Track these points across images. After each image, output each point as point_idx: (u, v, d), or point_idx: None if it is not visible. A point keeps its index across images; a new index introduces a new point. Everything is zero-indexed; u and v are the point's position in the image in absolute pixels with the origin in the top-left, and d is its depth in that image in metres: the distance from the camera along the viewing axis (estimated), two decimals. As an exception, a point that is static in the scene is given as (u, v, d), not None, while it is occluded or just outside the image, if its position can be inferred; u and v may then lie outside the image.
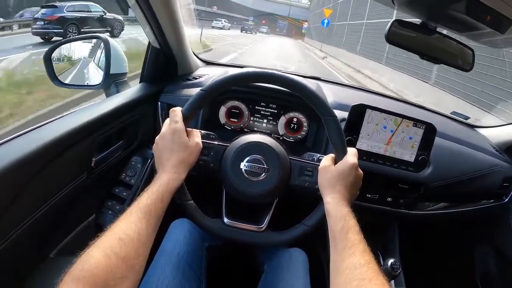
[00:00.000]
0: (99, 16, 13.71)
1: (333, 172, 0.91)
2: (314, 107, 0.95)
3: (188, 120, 0.92)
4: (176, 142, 0.87)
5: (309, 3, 64.41)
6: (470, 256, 1.77)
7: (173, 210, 0.95)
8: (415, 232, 1.65)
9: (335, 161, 0.94)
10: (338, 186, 0.89)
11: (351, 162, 0.91)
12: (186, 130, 0.89)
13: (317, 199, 0.98)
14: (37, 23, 11.39)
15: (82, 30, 12.12)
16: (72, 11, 12.26)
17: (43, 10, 11.76)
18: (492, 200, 1.51)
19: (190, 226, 1.10)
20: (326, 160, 0.95)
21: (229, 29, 44.66)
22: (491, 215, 1.56)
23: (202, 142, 0.94)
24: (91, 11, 13.36)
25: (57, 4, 12.22)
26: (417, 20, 0.98)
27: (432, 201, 1.43)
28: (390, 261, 1.13)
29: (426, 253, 1.78)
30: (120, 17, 14.52)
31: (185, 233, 1.09)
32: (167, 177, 0.83)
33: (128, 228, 0.69)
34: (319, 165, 0.97)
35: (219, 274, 1.17)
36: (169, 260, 0.99)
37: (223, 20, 43.85)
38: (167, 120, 0.91)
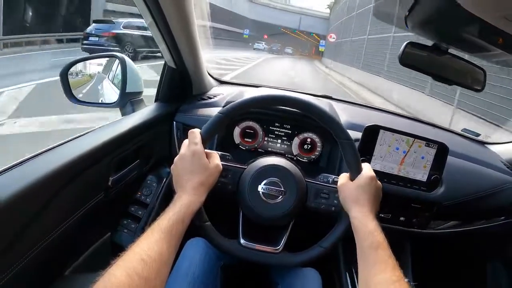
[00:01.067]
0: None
1: (353, 187, 0.92)
2: (331, 130, 0.97)
3: (207, 142, 0.93)
4: (196, 164, 0.88)
5: (329, 11, 51.91)
6: (482, 273, 1.76)
7: (188, 229, 0.96)
8: (427, 250, 1.64)
9: (351, 179, 0.96)
10: (361, 200, 0.90)
11: (370, 174, 0.93)
12: (205, 152, 0.91)
13: (332, 221, 1.00)
14: (90, 38, 11.23)
15: (137, 49, 11.79)
16: (129, 28, 11.73)
17: (97, 25, 11.62)
18: (503, 218, 1.50)
19: (205, 245, 1.10)
20: (343, 178, 0.97)
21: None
22: (503, 232, 1.55)
23: (222, 164, 0.95)
24: (147, 30, 12.23)
25: (114, 20, 12.14)
26: (429, 42, 1.00)
27: (445, 220, 1.43)
28: None
29: (438, 270, 1.77)
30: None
31: (200, 252, 1.09)
32: (188, 199, 0.83)
33: (150, 248, 0.70)
34: (335, 187, 0.99)
35: None
36: (184, 280, 0.99)
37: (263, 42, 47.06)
38: (186, 141, 0.92)
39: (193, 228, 0.96)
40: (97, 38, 11.19)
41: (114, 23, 11.75)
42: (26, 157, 0.87)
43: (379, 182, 0.95)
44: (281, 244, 1.00)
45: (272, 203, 0.98)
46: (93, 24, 11.81)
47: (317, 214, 1.03)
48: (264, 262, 1.00)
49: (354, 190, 0.92)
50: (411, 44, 0.98)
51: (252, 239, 1.00)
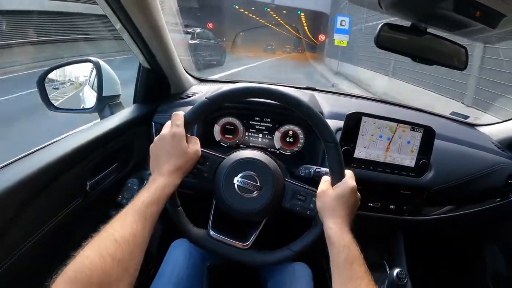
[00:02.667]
0: (215, 43, 13.83)
1: (332, 196, 0.89)
2: (317, 131, 0.95)
3: (189, 126, 0.92)
4: (176, 147, 0.87)
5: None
6: (479, 257, 1.74)
7: (172, 230, 0.93)
8: (421, 238, 1.62)
9: (332, 185, 0.93)
10: (339, 211, 0.88)
11: (351, 185, 0.90)
12: (186, 136, 0.89)
13: (306, 225, 0.97)
14: None
15: (206, 58, 12.48)
16: (200, 39, 12.41)
17: None
18: (498, 199, 1.48)
19: (190, 247, 1.09)
20: (324, 184, 0.94)
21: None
22: (498, 214, 1.53)
23: (201, 150, 0.94)
24: (210, 39, 13.49)
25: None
26: (407, 23, 0.97)
27: (437, 205, 1.41)
28: (396, 270, 1.10)
29: (434, 258, 1.75)
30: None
31: (185, 254, 1.08)
32: (163, 182, 0.82)
33: (124, 230, 0.69)
34: (312, 190, 0.97)
35: None
36: (169, 281, 0.98)
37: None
38: (168, 122, 0.91)
39: (175, 229, 0.94)
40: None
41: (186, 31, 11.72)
42: None
43: (359, 194, 0.93)
44: (250, 241, 0.98)
45: (246, 197, 0.95)
46: None
47: (291, 216, 1.00)
48: (229, 257, 0.98)
49: (333, 200, 0.89)
50: (387, 26, 0.95)
51: (222, 232, 0.99)
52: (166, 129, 0.89)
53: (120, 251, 0.65)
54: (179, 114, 0.91)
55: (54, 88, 1.35)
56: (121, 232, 0.68)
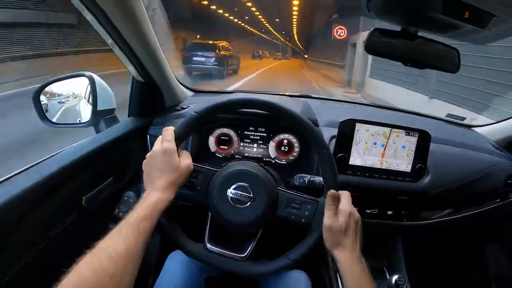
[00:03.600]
0: (233, 53, 16.08)
1: (337, 229, 0.89)
2: (310, 140, 0.97)
3: (180, 140, 0.93)
4: (167, 162, 0.87)
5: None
6: (481, 259, 1.73)
7: (168, 243, 0.92)
8: (421, 242, 1.61)
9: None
10: (344, 243, 0.89)
11: (348, 211, 0.91)
12: (177, 151, 0.90)
13: (302, 233, 0.98)
14: (194, 58, 13.21)
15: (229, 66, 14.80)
16: (225, 50, 14.51)
17: (199, 46, 14.16)
18: (498, 200, 1.47)
19: (187, 258, 1.08)
20: (328, 219, 0.91)
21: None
22: (498, 215, 1.52)
23: (193, 164, 0.94)
24: (230, 50, 15.73)
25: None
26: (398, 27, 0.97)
27: (436, 209, 1.40)
28: (395, 277, 1.09)
29: (434, 262, 1.74)
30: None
31: (181, 265, 1.09)
32: (157, 197, 0.83)
33: (117, 245, 0.70)
34: (307, 198, 0.97)
35: None
36: None
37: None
38: (159, 138, 0.92)
39: (172, 242, 0.94)
40: (203, 59, 13.32)
41: (213, 45, 14.30)
42: None
43: (357, 214, 0.94)
44: (247, 252, 0.98)
45: (241, 208, 0.95)
46: (193, 45, 14.64)
47: (286, 224, 0.99)
48: (228, 269, 0.98)
49: (336, 235, 0.89)
50: (378, 31, 0.95)
51: (219, 244, 0.99)
52: (157, 145, 0.90)
53: (113, 266, 0.65)
54: (169, 129, 0.92)
55: (60, 102, 1.37)
56: (114, 248, 0.68)
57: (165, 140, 0.89)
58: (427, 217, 1.38)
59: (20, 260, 0.86)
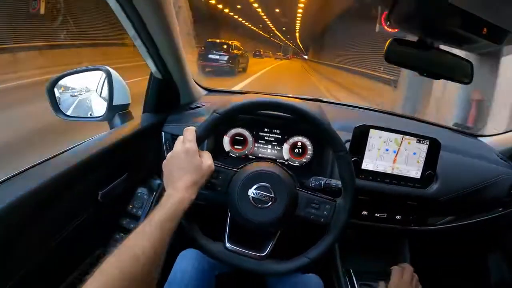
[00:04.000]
0: (244, 52, 17.38)
1: None
2: (326, 140, 1.00)
3: (201, 141, 0.93)
4: (189, 162, 0.87)
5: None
6: (483, 266, 1.75)
7: (180, 240, 0.94)
8: (427, 247, 1.63)
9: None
10: None
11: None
12: (198, 151, 0.90)
13: (321, 232, 0.99)
14: (210, 56, 14.43)
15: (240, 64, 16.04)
16: (236, 49, 15.78)
17: (213, 44, 15.21)
18: (500, 209, 1.50)
19: (198, 256, 1.10)
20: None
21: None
22: (501, 223, 1.54)
23: (214, 164, 0.94)
24: (241, 49, 16.95)
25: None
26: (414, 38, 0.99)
27: (442, 215, 1.42)
28: None
29: (439, 266, 1.76)
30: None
31: (193, 263, 1.09)
32: (179, 197, 0.82)
33: (142, 244, 0.69)
34: (326, 198, 1.00)
35: None
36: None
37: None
38: (180, 138, 0.92)
39: (185, 240, 0.95)
40: (217, 56, 14.56)
41: (227, 44, 15.52)
42: (8, 175, 0.86)
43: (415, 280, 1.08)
44: (267, 251, 0.99)
45: (262, 208, 0.96)
46: (208, 43, 15.45)
47: (305, 224, 1.01)
48: (248, 268, 0.98)
49: None
50: (396, 41, 0.97)
51: (238, 244, 0.99)
52: (179, 145, 0.90)
53: (139, 266, 0.65)
54: (191, 130, 0.92)
55: (73, 96, 1.37)
56: (140, 247, 0.68)
57: (186, 140, 0.89)
58: (433, 222, 1.41)
59: (35, 255, 0.87)
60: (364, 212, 1.32)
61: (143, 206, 1.32)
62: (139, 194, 1.33)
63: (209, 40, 16.13)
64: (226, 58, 14.63)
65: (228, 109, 0.96)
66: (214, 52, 14.56)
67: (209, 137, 1.28)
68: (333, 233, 0.97)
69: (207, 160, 0.91)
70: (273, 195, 0.96)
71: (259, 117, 1.36)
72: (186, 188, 0.84)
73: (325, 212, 0.99)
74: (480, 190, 1.40)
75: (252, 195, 0.96)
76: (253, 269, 0.98)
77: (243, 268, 0.98)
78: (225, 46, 15.22)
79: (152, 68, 1.36)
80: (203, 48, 15.11)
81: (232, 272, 1.14)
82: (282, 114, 1.00)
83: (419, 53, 0.99)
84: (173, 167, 0.88)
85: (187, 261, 1.11)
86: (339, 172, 0.98)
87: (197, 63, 13.92)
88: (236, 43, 16.68)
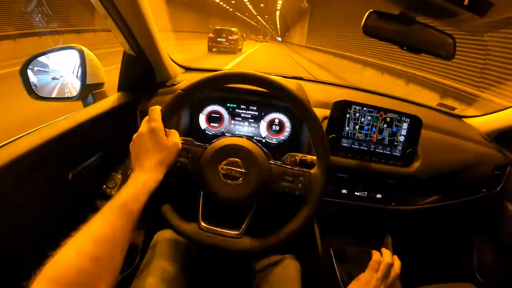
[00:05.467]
0: (241, 36, 22.05)
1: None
2: (296, 109, 0.94)
3: (167, 120, 0.91)
4: (155, 142, 0.85)
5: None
6: (466, 247, 1.76)
7: (154, 223, 0.91)
8: (409, 231, 1.63)
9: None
10: None
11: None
12: (164, 130, 0.88)
13: (297, 206, 0.95)
14: (218, 39, 19.19)
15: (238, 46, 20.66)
16: (236, 34, 20.13)
17: (220, 31, 19.58)
18: (484, 190, 1.49)
19: (174, 237, 1.08)
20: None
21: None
22: (485, 204, 1.55)
23: (181, 142, 0.92)
24: (239, 34, 20.96)
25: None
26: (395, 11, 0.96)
27: (424, 195, 1.41)
28: None
29: (422, 249, 1.77)
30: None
31: (169, 244, 1.08)
32: (144, 177, 0.80)
33: (103, 228, 0.68)
34: (300, 171, 0.96)
35: (208, 284, 1.14)
36: (154, 273, 0.98)
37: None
38: (146, 118, 0.89)
39: (160, 221, 0.93)
40: (223, 40, 19.32)
41: (230, 30, 19.91)
42: None
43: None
44: (242, 229, 0.96)
45: (233, 184, 0.93)
46: (216, 30, 19.79)
47: (280, 198, 0.98)
48: (224, 247, 0.95)
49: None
50: (375, 14, 0.94)
51: (213, 223, 0.96)
52: (144, 125, 0.88)
53: (99, 250, 0.63)
54: (156, 109, 0.89)
55: (54, 78, 1.35)
56: (100, 231, 0.66)
57: (151, 119, 0.87)
58: (415, 202, 1.40)
59: (3, 235, 0.85)
60: (344, 191, 1.30)
61: (116, 186, 1.30)
62: (113, 174, 1.31)
63: (216, 27, 20.35)
64: (229, 41, 19.43)
65: (191, 85, 0.94)
66: (222, 36, 19.24)
67: (176, 114, 1.24)
68: (309, 205, 0.94)
69: (173, 138, 0.90)
70: (244, 170, 0.94)
71: (235, 93, 1.34)
72: (152, 168, 0.83)
73: (299, 185, 0.96)
74: (463, 170, 1.39)
75: (222, 171, 0.94)
76: (230, 247, 0.95)
77: (218, 248, 0.95)
78: (228, 32, 19.62)
79: (125, 46, 1.33)
80: (212, 34, 19.38)
81: (208, 254, 1.12)
82: (257, 89, 0.96)
83: (400, 27, 0.96)
84: (139, 147, 0.86)
85: (162, 242, 1.10)
86: (312, 142, 0.95)
87: (208, 45, 19.23)
88: (235, 29, 20.64)
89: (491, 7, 0.79)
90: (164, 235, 1.11)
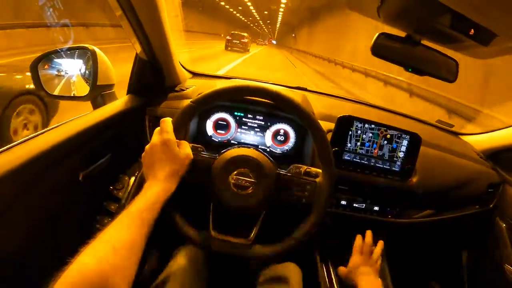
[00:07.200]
0: (249, 39, 28.05)
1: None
2: (301, 120, 0.98)
3: (178, 131, 0.93)
4: (167, 153, 0.87)
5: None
6: (458, 262, 1.79)
7: (171, 237, 0.93)
8: (403, 240, 1.66)
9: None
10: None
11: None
12: (176, 141, 0.90)
13: (304, 213, 0.99)
14: (234, 41, 26.06)
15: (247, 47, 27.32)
16: (247, 38, 27.15)
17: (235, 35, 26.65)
18: (477, 206, 1.53)
19: (193, 252, 1.11)
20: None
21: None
22: (477, 220, 1.58)
23: (192, 153, 0.94)
24: (249, 37, 26.85)
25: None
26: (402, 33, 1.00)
27: (419, 209, 1.45)
28: None
29: (414, 260, 1.79)
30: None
31: (189, 258, 1.09)
32: (159, 187, 0.83)
33: (120, 236, 0.69)
34: (306, 179, 1.00)
35: None
36: (172, 284, 0.99)
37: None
38: (157, 130, 0.91)
39: (180, 237, 0.95)
40: (238, 42, 26.09)
41: (242, 35, 26.94)
42: None
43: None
44: (252, 236, 0.98)
45: (243, 194, 0.96)
46: (232, 34, 26.98)
47: (288, 206, 1.01)
48: (235, 254, 0.98)
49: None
50: (383, 35, 0.98)
51: (223, 231, 0.99)
52: (156, 136, 0.90)
53: (118, 258, 0.64)
54: (167, 121, 0.92)
55: (57, 74, 1.37)
56: (117, 239, 0.68)
57: (163, 131, 0.89)
58: (410, 215, 1.43)
59: (15, 237, 0.86)
60: (343, 202, 1.34)
61: (124, 188, 1.32)
62: (121, 176, 1.33)
63: (232, 32, 27.61)
64: (242, 43, 26.09)
65: (201, 98, 0.96)
66: (236, 38, 26.23)
67: (187, 125, 1.26)
68: (316, 212, 0.97)
69: (185, 149, 0.92)
70: (253, 180, 0.97)
71: (242, 103, 1.36)
72: (165, 178, 0.85)
73: (306, 193, 1.00)
74: (458, 187, 1.43)
75: (233, 181, 0.96)
76: (240, 254, 0.98)
77: (231, 254, 0.98)
78: (241, 36, 26.54)
79: (137, 49, 1.34)
80: (229, 37, 26.39)
81: (218, 267, 1.15)
82: (263, 100, 0.99)
83: (406, 49, 0.99)
84: (152, 158, 0.88)
85: (182, 256, 1.10)
86: (317, 151, 0.98)
87: (225, 45, 25.85)
88: (246, 34, 27.79)
89: (495, 37, 0.82)
90: (184, 250, 1.13)
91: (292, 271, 1.13)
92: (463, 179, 1.45)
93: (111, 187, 1.31)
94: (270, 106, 1.29)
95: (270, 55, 31.31)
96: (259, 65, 16.94)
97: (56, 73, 1.39)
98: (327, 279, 1.35)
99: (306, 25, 35.35)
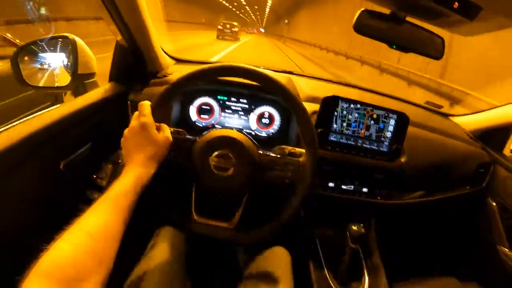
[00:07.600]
0: (239, 28, 28.73)
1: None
2: (284, 101, 0.96)
3: (157, 114, 0.91)
4: (146, 136, 0.86)
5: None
6: (452, 243, 1.79)
7: (152, 219, 0.92)
8: (394, 226, 1.65)
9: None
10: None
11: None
12: (155, 124, 0.89)
13: (288, 195, 0.97)
14: (225, 30, 26.87)
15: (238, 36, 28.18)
16: (237, 27, 27.89)
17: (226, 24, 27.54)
18: (468, 187, 1.53)
19: (174, 233, 1.09)
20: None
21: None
22: (469, 201, 1.58)
23: (172, 136, 0.93)
24: (239, 26, 28.20)
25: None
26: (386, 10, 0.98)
27: (409, 191, 1.44)
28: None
29: (407, 242, 1.79)
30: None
31: (169, 241, 1.08)
32: (137, 172, 0.81)
33: (97, 222, 0.68)
34: (288, 159, 0.98)
35: (202, 276, 1.15)
36: (155, 268, 0.99)
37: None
38: (136, 114, 0.90)
39: (159, 217, 0.96)
40: (228, 31, 26.82)
41: (233, 24, 27.53)
42: None
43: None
44: (235, 220, 0.98)
45: (224, 176, 0.95)
46: (223, 23, 27.71)
47: (271, 187, 1.01)
48: (218, 237, 0.97)
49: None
50: (366, 12, 0.95)
51: (206, 215, 0.98)
52: (134, 120, 0.88)
53: (93, 244, 0.63)
54: (145, 104, 0.90)
55: (45, 67, 1.38)
56: (94, 225, 0.66)
57: (141, 114, 0.88)
58: (401, 197, 1.42)
59: None
60: (331, 184, 1.32)
61: (107, 176, 1.31)
62: (103, 164, 1.32)
63: (223, 21, 28.50)
64: (233, 32, 27.10)
65: (179, 79, 0.94)
66: (227, 27, 27.02)
67: (165, 108, 1.25)
68: (299, 192, 0.96)
69: (164, 132, 0.91)
70: (234, 161, 0.95)
71: (226, 86, 1.34)
72: (143, 162, 0.84)
73: (289, 173, 0.98)
74: (448, 167, 1.42)
75: (213, 162, 0.95)
76: (224, 237, 0.98)
77: (214, 237, 0.97)
78: (231, 25, 27.25)
79: (117, 36, 1.33)
80: (220, 27, 27.01)
81: (202, 245, 1.13)
82: (248, 82, 0.97)
83: (390, 26, 0.98)
84: (131, 142, 0.87)
85: (162, 238, 1.10)
86: (300, 132, 0.96)
87: (217, 34, 26.51)
88: (236, 23, 28.21)
89: (480, 11, 0.81)
90: (164, 232, 1.12)
91: (281, 255, 1.13)
92: (453, 159, 1.45)
93: (94, 176, 1.29)
94: (254, 88, 1.27)
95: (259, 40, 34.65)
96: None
97: (39, 66, 1.39)
98: (316, 263, 1.34)
99: (306, 8, 32.64)
